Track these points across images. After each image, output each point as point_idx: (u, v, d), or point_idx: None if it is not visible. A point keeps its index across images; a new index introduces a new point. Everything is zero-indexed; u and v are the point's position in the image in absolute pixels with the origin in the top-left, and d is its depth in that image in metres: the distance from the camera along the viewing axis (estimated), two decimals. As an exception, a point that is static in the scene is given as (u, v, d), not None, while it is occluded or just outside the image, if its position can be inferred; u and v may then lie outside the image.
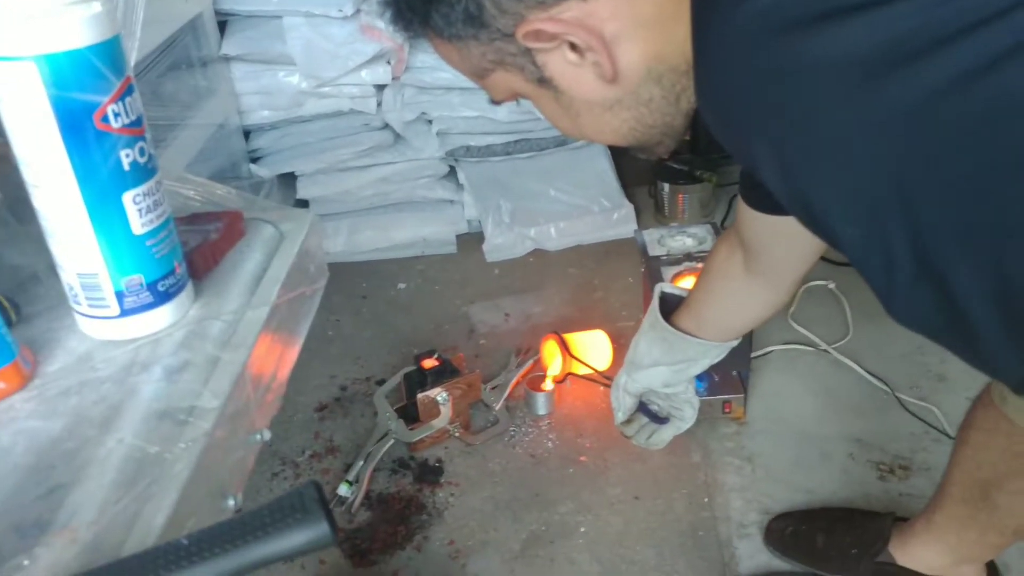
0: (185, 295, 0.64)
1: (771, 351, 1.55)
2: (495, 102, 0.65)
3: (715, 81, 0.51)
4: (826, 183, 0.47)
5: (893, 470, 1.29)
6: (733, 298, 0.96)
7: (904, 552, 1.07)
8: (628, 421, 1.13)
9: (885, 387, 1.44)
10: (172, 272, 0.63)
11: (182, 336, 0.61)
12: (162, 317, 0.63)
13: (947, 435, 1.33)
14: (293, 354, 0.70)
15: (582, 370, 1.52)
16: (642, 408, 1.13)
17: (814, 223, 0.51)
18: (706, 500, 1.27)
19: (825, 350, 1.54)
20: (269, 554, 0.40)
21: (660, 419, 1.12)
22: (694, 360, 1.03)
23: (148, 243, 0.60)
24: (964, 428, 0.91)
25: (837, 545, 1.12)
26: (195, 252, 0.68)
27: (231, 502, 0.54)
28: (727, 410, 1.39)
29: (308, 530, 0.40)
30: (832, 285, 1.66)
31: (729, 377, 1.40)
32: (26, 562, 0.42)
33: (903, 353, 1.52)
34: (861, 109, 0.42)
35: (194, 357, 0.59)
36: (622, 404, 1.10)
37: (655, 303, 1.04)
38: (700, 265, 1.36)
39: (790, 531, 1.17)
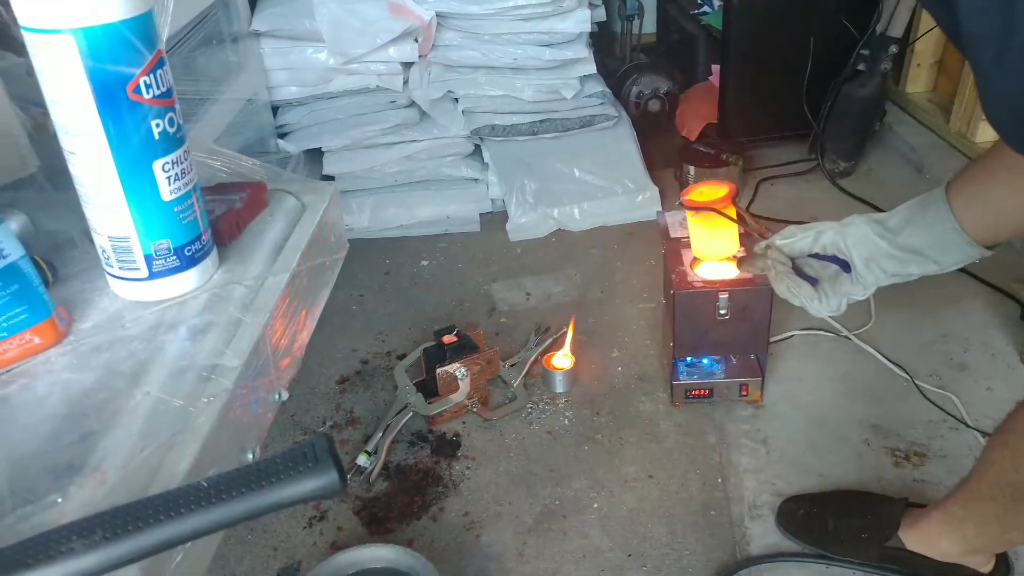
0: (210, 260, 0.67)
1: (792, 336, 1.55)
2: None
3: None
4: None
5: (908, 456, 1.29)
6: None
7: (916, 538, 1.07)
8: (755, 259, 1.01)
9: (904, 374, 1.43)
10: (198, 238, 0.65)
11: (206, 299, 0.63)
12: (188, 280, 0.65)
13: (965, 424, 1.33)
14: (312, 321, 0.73)
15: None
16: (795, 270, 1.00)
17: None
18: (720, 481, 1.28)
19: (846, 336, 1.54)
20: (282, 498, 0.43)
21: (811, 281, 0.99)
22: (931, 262, 0.88)
23: (176, 209, 0.63)
24: (1004, 431, 0.90)
25: (848, 528, 1.13)
26: (220, 220, 0.70)
27: (250, 455, 0.57)
28: (744, 392, 1.40)
29: (319, 478, 0.43)
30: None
31: (747, 360, 1.41)
32: (60, 500, 0.45)
33: (924, 342, 1.51)
34: None
35: (217, 319, 0.61)
36: (798, 244, 0.98)
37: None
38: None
39: (802, 513, 1.18)
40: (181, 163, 0.63)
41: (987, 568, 1.06)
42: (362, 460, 1.34)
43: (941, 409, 1.36)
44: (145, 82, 0.59)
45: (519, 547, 1.20)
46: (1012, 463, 0.88)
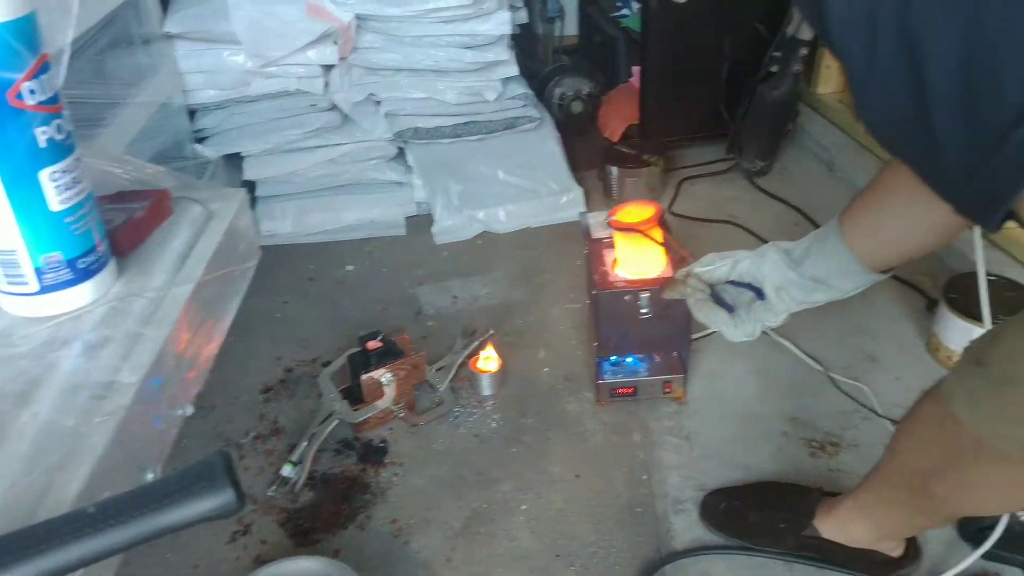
0: (107, 272, 0.64)
1: (712, 332, 1.59)
2: None
3: None
4: None
5: (824, 447, 1.34)
6: (913, 217, 0.83)
7: (830, 526, 1.11)
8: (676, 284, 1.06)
9: (820, 367, 1.49)
10: (93, 249, 0.62)
11: (103, 313, 0.61)
12: (83, 294, 0.63)
13: (876, 413, 1.38)
14: (221, 332, 0.71)
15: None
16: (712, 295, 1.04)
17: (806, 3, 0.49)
18: (645, 478, 1.30)
19: (765, 332, 1.58)
20: (175, 521, 0.41)
21: (727, 308, 1.03)
22: (834, 289, 0.93)
23: (67, 220, 0.60)
24: (909, 419, 0.93)
25: (767, 519, 1.16)
26: (119, 230, 0.68)
27: (149, 475, 0.54)
28: (667, 390, 1.42)
29: (214, 497, 0.41)
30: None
31: (670, 358, 1.43)
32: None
33: (838, 335, 1.57)
34: None
35: (115, 333, 0.59)
36: (716, 272, 1.02)
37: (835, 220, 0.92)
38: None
39: (724, 506, 1.21)
40: (71, 172, 0.60)
41: (898, 553, 1.10)
42: (287, 470, 1.31)
43: (854, 400, 1.42)
44: (28, 87, 0.56)
45: (448, 553, 1.19)
46: (917, 451, 0.92)
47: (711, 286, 1.04)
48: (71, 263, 0.61)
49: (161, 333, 0.60)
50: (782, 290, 0.97)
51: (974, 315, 1.36)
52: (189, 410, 0.62)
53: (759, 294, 1.00)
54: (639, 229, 1.30)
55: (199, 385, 0.65)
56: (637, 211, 1.34)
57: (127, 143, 1.54)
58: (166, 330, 0.60)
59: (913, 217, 0.84)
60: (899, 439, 0.96)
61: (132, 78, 1.66)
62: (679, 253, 1.23)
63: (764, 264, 0.98)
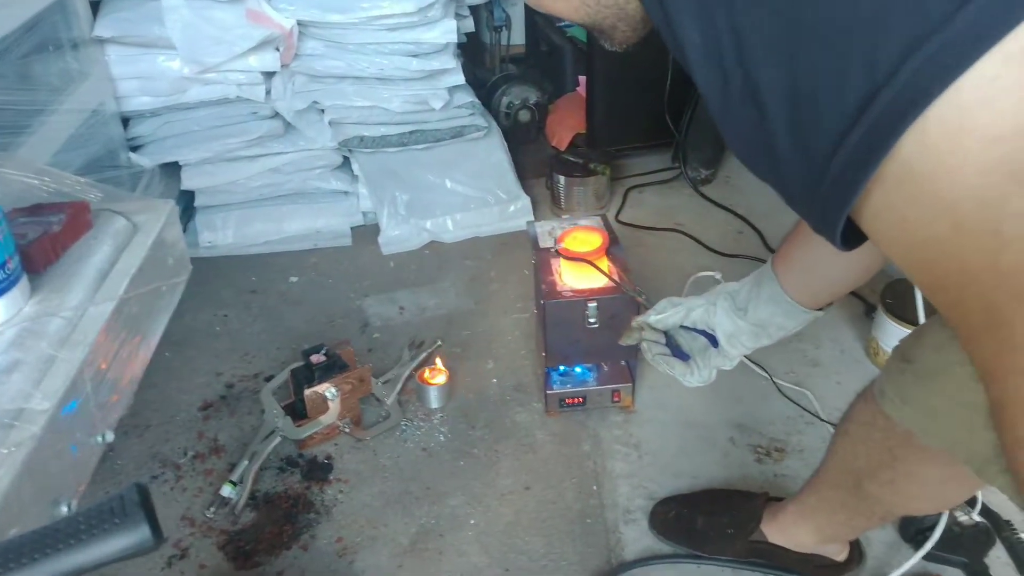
0: (18, 291, 0.60)
1: (659, 340, 1.59)
2: None
3: None
4: None
5: (769, 452, 1.35)
6: (838, 254, 0.89)
7: (776, 530, 1.11)
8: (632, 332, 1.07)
9: (764, 373, 1.50)
10: (2, 266, 0.59)
11: (14, 334, 0.57)
12: (-8, 314, 0.59)
13: (819, 418, 1.40)
14: (147, 351, 0.67)
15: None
16: (668, 344, 1.06)
17: (672, 37, 0.51)
18: (595, 488, 1.29)
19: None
20: (85, 562, 0.38)
21: (682, 355, 1.06)
22: (781, 330, 0.96)
23: (-28, 235, 0.56)
24: (845, 420, 0.95)
25: (715, 526, 1.16)
26: (33, 245, 0.64)
27: (64, 508, 0.51)
28: (616, 399, 1.42)
29: (128, 535, 0.39)
30: (719, 276, 1.71)
31: (618, 367, 1.43)
32: None
33: (781, 341, 1.58)
34: None
35: (26, 356, 0.55)
36: (670, 319, 1.03)
37: (769, 265, 0.95)
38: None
39: (672, 515, 1.21)
40: (-22, 184, 0.56)
41: (842, 556, 1.12)
42: (227, 491, 1.26)
43: (798, 405, 1.43)
44: (-72, 94, 0.52)
45: (395, 570, 1.17)
46: (852, 451, 0.93)
47: (665, 332, 1.07)
48: (-22, 281, 0.57)
49: (77, 355, 0.56)
50: (733, 338, 1.00)
51: (910, 319, 1.39)
52: (110, 436, 0.58)
53: (712, 340, 1.03)
54: (589, 261, 1.31)
55: (122, 409, 0.61)
56: (584, 237, 1.35)
57: (54, 151, 1.48)
58: (83, 352, 0.57)
59: (838, 254, 0.86)
60: (835, 440, 0.98)
61: (60, 84, 1.59)
62: (631, 294, 1.25)
63: (715, 313, 1.00)
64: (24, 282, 0.61)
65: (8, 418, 0.50)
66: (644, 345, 1.07)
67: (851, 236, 0.45)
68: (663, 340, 1.07)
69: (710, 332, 1.02)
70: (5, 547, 0.37)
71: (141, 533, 0.39)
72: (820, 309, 0.94)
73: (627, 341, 1.09)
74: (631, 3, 0.60)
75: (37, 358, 0.55)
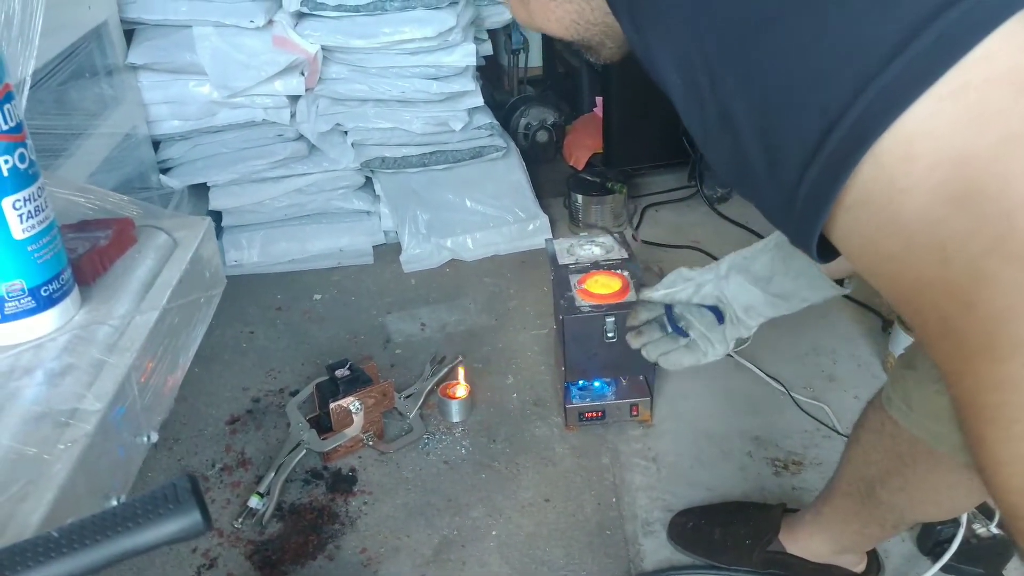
0: (70, 300, 0.64)
1: (677, 355, 1.61)
2: None
3: None
4: (656, 24, 0.49)
5: (787, 466, 1.36)
6: None
7: (793, 541, 1.13)
8: (639, 332, 1.05)
9: (781, 387, 1.51)
10: (56, 277, 0.63)
11: (66, 340, 0.61)
12: (46, 322, 0.62)
13: (836, 432, 1.41)
14: (186, 359, 0.71)
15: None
16: (668, 316, 1.04)
17: (657, 76, 0.52)
18: (614, 500, 1.31)
19: (728, 354, 1.60)
20: (141, 543, 0.41)
21: (683, 334, 1.03)
22: (804, 302, 0.94)
23: (30, 248, 0.60)
24: (856, 428, 0.97)
25: (733, 537, 1.17)
26: (83, 258, 0.68)
27: (114, 502, 0.54)
28: (634, 413, 1.44)
29: (181, 519, 0.42)
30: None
31: (636, 381, 1.45)
32: None
33: (798, 355, 1.60)
34: None
35: (78, 361, 0.59)
36: (679, 295, 1.02)
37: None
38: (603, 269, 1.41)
39: (691, 526, 1.22)
40: (35, 200, 0.60)
41: (860, 568, 1.12)
42: (254, 502, 1.29)
43: (815, 419, 1.45)
44: (-7, 117, 0.57)
45: (418, 580, 1.19)
46: (864, 458, 0.95)
47: (668, 307, 1.05)
48: (34, 291, 0.61)
49: (125, 360, 0.60)
50: (751, 309, 0.99)
51: (928, 334, 1.39)
52: (154, 437, 0.62)
53: (718, 316, 1.02)
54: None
55: (164, 413, 0.65)
56: (606, 281, 1.39)
57: (89, 173, 1.53)
58: (130, 357, 0.61)
59: None
60: (848, 448, 1.00)
61: (95, 108, 1.65)
62: (646, 267, 1.26)
63: (729, 287, 1.00)
64: (75, 293, 0.66)
65: (64, 417, 0.54)
66: (645, 351, 1.06)
67: (827, 251, 0.48)
68: (661, 311, 1.05)
69: (721, 308, 1.01)
70: (70, 529, 0.41)
71: (192, 518, 0.42)
72: (839, 283, 0.93)
73: (632, 322, 1.08)
74: (617, 24, 0.63)
75: (88, 363, 0.59)
